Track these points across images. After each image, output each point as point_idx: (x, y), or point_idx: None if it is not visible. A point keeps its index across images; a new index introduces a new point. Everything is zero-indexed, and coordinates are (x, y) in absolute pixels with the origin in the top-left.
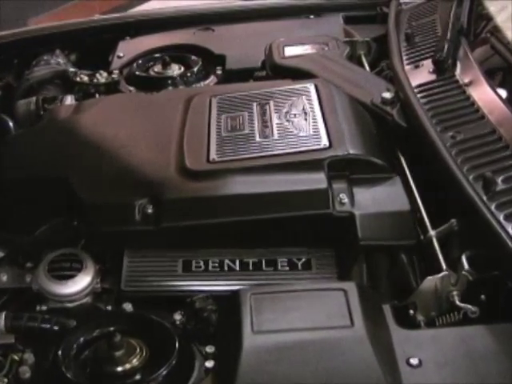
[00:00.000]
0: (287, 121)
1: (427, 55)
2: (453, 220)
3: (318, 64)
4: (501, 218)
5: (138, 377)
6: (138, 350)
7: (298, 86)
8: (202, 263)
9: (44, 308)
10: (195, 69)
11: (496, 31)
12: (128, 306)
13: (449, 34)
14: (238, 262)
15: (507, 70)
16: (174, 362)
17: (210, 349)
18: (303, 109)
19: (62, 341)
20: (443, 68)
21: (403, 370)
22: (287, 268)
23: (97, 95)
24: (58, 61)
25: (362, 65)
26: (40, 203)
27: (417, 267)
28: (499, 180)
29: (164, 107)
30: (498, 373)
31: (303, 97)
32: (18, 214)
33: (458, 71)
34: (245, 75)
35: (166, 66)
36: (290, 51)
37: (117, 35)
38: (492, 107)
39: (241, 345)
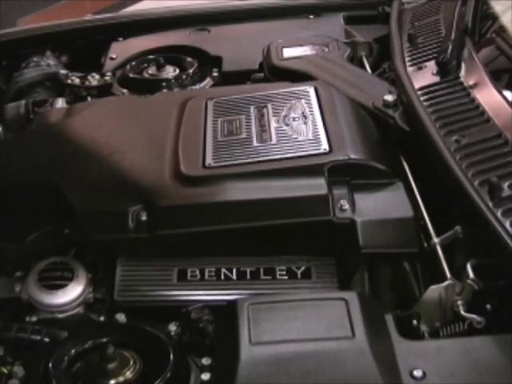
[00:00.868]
0: (286, 125)
1: (430, 56)
2: (457, 227)
3: (318, 66)
4: (507, 224)
5: None
6: (132, 362)
7: (297, 88)
8: (197, 272)
9: (34, 319)
10: (190, 71)
11: (502, 31)
12: (121, 317)
13: (453, 35)
14: (235, 271)
15: None
16: (168, 374)
17: (206, 361)
18: (302, 112)
19: (52, 353)
20: (447, 70)
21: (406, 382)
22: (286, 277)
23: (89, 98)
24: (49, 62)
25: (363, 66)
26: (30, 210)
27: (420, 276)
28: (505, 185)
29: (158, 110)
30: None
31: (302, 100)
32: (6, 222)
33: (462, 73)
34: (242, 77)
35: (160, 67)
36: (288, 52)
37: (109, 36)
38: (498, 110)
39: (238, 357)
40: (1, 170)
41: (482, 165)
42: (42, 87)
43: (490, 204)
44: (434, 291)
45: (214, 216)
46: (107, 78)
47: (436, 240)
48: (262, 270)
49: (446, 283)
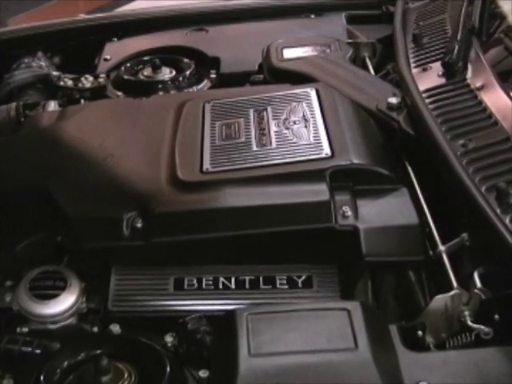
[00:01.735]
0: (286, 128)
1: (436, 57)
2: (464, 234)
3: (320, 67)
4: None
5: None
6: (127, 374)
7: (298, 90)
8: (194, 281)
9: (25, 330)
10: (187, 72)
11: (510, 31)
12: (115, 328)
13: (459, 35)
14: (233, 280)
15: None
16: None
17: (203, 373)
18: (303, 115)
19: (44, 365)
20: (453, 71)
21: None
22: (286, 286)
23: (82, 101)
24: (40, 64)
25: (366, 68)
26: (21, 217)
27: (425, 285)
28: None
29: (154, 114)
30: None
31: (303, 102)
32: None
33: (469, 74)
34: (241, 79)
35: (156, 69)
36: (289, 53)
37: (103, 36)
38: (506, 113)
39: (237, 369)
40: None
41: (489, 170)
42: (33, 89)
43: (498, 210)
44: (439, 301)
45: (212, 223)
46: (101, 79)
47: (442, 248)
48: (261, 279)
49: (452, 293)
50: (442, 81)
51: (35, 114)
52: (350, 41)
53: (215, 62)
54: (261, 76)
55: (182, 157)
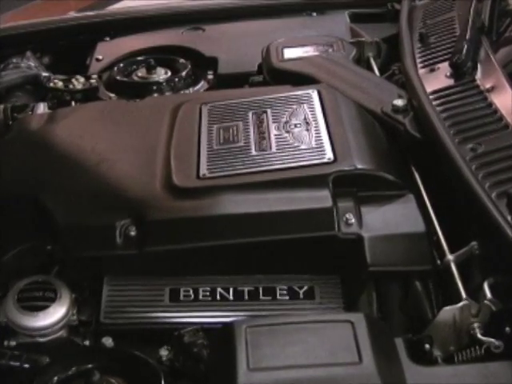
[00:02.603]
0: (287, 132)
1: (444, 57)
2: (473, 243)
3: (322, 68)
4: None
5: None
6: None
7: (299, 92)
8: (191, 292)
9: (13, 343)
10: (183, 73)
11: None
12: (108, 341)
13: (468, 34)
14: (231, 291)
15: None
16: None
17: None
18: (305, 118)
19: (33, 380)
20: (462, 72)
21: None
22: (287, 297)
23: (73, 103)
24: (29, 64)
25: (370, 68)
26: (8, 225)
27: (433, 296)
28: None
29: (148, 116)
30: None
31: (305, 105)
32: None
33: (478, 75)
34: (239, 80)
35: (150, 70)
36: (289, 53)
37: (95, 35)
38: None
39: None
40: None
41: (499, 175)
42: (22, 91)
43: (509, 218)
44: (448, 312)
45: (209, 231)
46: (93, 81)
47: (450, 257)
48: (261, 290)
49: (461, 304)
50: (450, 82)
51: (24, 117)
52: (353, 40)
53: (212, 63)
54: (260, 77)
55: (177, 162)
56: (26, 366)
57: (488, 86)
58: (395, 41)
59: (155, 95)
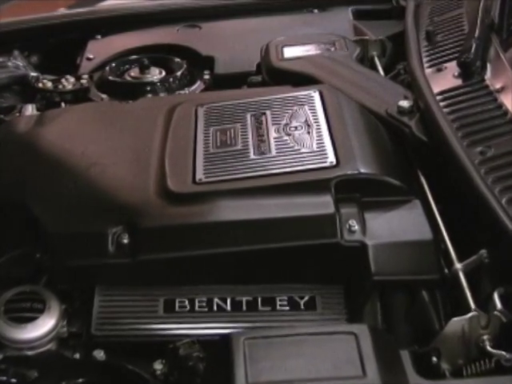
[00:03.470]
0: (287, 134)
1: (452, 56)
2: (483, 251)
3: (323, 67)
4: None
5: None
6: None
7: (300, 93)
8: (186, 302)
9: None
10: (179, 73)
11: None
12: (99, 354)
13: (477, 32)
14: (229, 301)
15: None
16: None
17: None
18: (306, 120)
19: None
20: (470, 71)
21: None
22: (287, 308)
23: (62, 104)
24: (17, 64)
25: (374, 68)
26: None
27: (440, 307)
28: None
29: (142, 118)
30: None
31: (306, 106)
32: None
33: (488, 75)
34: (237, 81)
35: (144, 69)
36: (289, 52)
37: (86, 33)
38: None
39: None
40: None
41: (510, 180)
42: (9, 92)
43: None
44: (456, 324)
45: (206, 238)
46: (83, 81)
47: (458, 266)
48: (260, 300)
49: (469, 315)
50: (458, 82)
51: (11, 119)
52: (356, 38)
53: (209, 62)
54: (259, 77)
55: (172, 166)
56: (14, 380)
57: (498, 86)
58: (401, 39)
59: (149, 96)
